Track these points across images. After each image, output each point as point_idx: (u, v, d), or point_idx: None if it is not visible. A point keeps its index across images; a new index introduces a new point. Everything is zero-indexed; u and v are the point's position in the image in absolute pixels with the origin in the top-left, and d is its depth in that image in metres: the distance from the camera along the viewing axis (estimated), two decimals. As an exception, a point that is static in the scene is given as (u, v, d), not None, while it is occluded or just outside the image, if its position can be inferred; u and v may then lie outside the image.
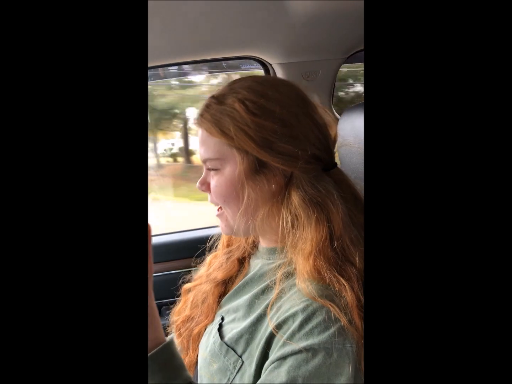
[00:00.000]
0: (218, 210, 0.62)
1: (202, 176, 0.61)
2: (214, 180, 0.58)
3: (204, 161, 0.59)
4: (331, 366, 0.45)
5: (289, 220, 0.54)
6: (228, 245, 0.71)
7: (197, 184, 0.61)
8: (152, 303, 0.49)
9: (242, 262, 0.69)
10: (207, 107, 0.58)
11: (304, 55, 1.13)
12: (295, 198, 0.54)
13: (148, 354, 0.48)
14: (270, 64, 1.16)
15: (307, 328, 0.47)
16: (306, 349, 0.46)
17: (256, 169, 0.55)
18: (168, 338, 0.51)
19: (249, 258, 0.69)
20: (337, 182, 0.57)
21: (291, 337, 0.48)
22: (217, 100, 0.57)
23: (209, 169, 0.59)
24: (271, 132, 0.54)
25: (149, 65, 1.04)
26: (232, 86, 0.59)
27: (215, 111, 0.56)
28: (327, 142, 0.59)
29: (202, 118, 0.58)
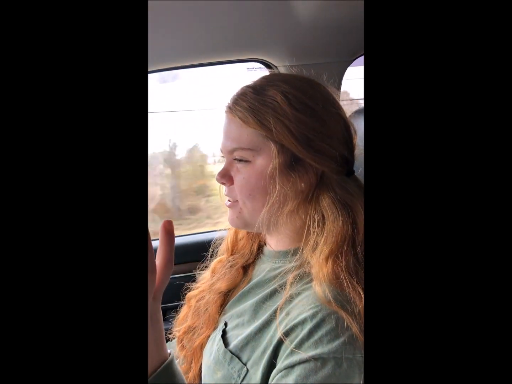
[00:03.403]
0: (229, 200, 0.60)
1: (223, 167, 0.59)
2: (241, 173, 0.56)
3: (231, 152, 0.56)
4: (340, 377, 0.44)
5: (316, 219, 0.53)
6: (232, 252, 0.69)
7: (217, 176, 0.59)
8: (158, 314, 0.45)
9: (246, 269, 0.67)
10: (242, 95, 0.56)
11: (310, 57, 1.12)
12: (325, 198, 0.53)
13: (149, 378, 0.42)
14: (276, 67, 1.16)
15: (316, 336, 0.46)
16: (315, 358, 0.44)
17: (291, 165, 0.54)
18: (169, 357, 0.45)
19: (254, 264, 0.67)
20: (360, 186, 0.56)
21: (300, 345, 0.46)
22: (255, 90, 0.56)
23: (235, 160, 0.56)
24: (310, 129, 0.53)
25: (153, 68, 1.04)
26: (269, 79, 0.57)
27: (253, 100, 0.54)
28: (352, 146, 0.59)
29: (236, 106, 0.55)
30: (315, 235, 0.53)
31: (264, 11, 0.92)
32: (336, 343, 0.45)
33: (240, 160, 0.56)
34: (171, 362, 0.45)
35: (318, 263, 0.51)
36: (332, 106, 0.57)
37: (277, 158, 0.53)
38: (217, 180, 0.59)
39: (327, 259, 0.50)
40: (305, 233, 0.54)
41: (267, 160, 0.54)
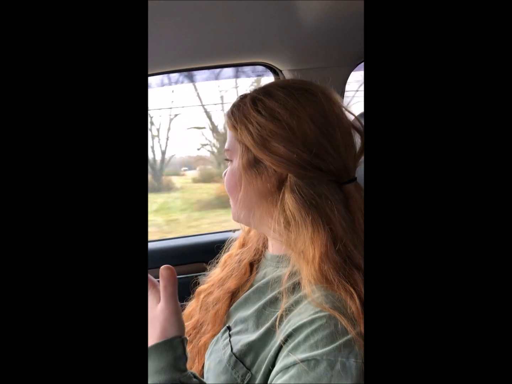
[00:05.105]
0: None
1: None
2: (227, 170, 0.63)
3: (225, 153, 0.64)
4: (332, 378, 0.44)
5: (282, 221, 0.55)
6: (243, 245, 0.73)
7: (223, 174, 0.65)
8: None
9: (252, 266, 0.69)
10: (232, 105, 0.62)
11: (314, 62, 1.13)
12: (289, 200, 0.54)
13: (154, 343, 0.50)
14: (281, 71, 1.16)
15: (312, 340, 0.47)
16: (308, 360, 0.46)
17: (253, 164, 0.58)
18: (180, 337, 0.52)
19: (259, 263, 0.69)
20: (349, 195, 0.56)
21: (296, 348, 0.47)
22: (240, 98, 0.61)
23: (226, 160, 0.63)
24: (268, 132, 0.55)
25: (157, 71, 1.05)
26: (263, 87, 0.62)
27: (234, 107, 0.61)
28: (338, 155, 0.56)
29: (227, 114, 0.62)
30: (286, 236, 0.55)
31: (268, 15, 0.93)
32: (331, 346, 0.45)
33: (228, 160, 0.63)
34: (177, 338, 0.51)
35: (304, 266, 0.52)
36: (304, 111, 0.55)
37: (241, 157, 0.59)
38: (223, 178, 0.65)
39: (312, 261, 0.51)
40: (277, 237, 0.56)
41: (238, 160, 0.60)
